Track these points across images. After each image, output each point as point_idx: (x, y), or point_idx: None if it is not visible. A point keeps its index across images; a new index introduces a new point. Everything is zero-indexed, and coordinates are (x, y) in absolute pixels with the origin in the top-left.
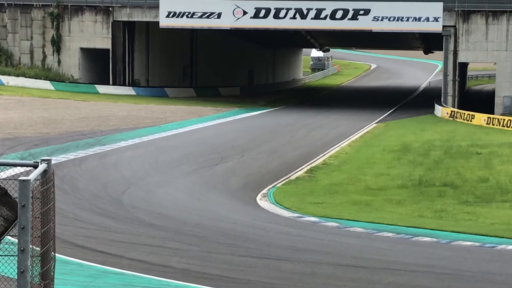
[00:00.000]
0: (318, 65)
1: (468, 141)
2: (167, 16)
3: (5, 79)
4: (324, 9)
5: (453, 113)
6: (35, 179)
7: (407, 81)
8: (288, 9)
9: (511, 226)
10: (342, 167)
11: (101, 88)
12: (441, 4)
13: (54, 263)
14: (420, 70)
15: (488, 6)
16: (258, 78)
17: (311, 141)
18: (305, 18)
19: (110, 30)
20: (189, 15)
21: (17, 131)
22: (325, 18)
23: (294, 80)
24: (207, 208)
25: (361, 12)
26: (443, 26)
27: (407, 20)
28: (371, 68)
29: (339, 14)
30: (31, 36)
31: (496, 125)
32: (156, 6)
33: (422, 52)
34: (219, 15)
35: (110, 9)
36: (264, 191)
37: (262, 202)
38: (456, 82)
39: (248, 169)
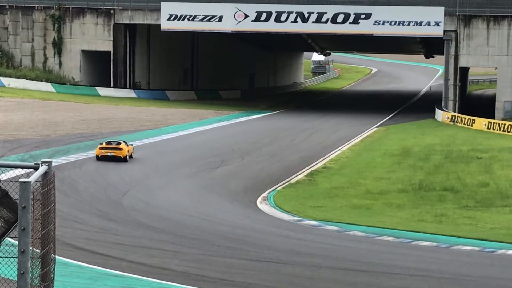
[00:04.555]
0: (319, 69)
1: (469, 145)
2: (169, 19)
3: (6, 81)
4: (326, 12)
5: (453, 117)
6: (36, 181)
7: (408, 86)
8: (289, 13)
9: (511, 231)
10: (343, 171)
11: (102, 91)
12: (442, 8)
13: (54, 265)
14: (421, 75)
15: (489, 10)
16: (259, 82)
17: (312, 144)
18: (306, 22)
19: (111, 32)
20: (190, 18)
21: (18, 133)
22: (326, 22)
23: (295, 84)
24: (207, 211)
25: (362, 16)
26: (444, 31)
27: (408, 24)
28: (372, 72)
29: (340, 18)
30: (33, 38)
31: (497, 130)
32: (157, 9)
33: (423, 56)
34: (220, 18)
35: (112, 11)
36: (264, 194)
37: (262, 205)
38: (457, 87)
39: (249, 173)
